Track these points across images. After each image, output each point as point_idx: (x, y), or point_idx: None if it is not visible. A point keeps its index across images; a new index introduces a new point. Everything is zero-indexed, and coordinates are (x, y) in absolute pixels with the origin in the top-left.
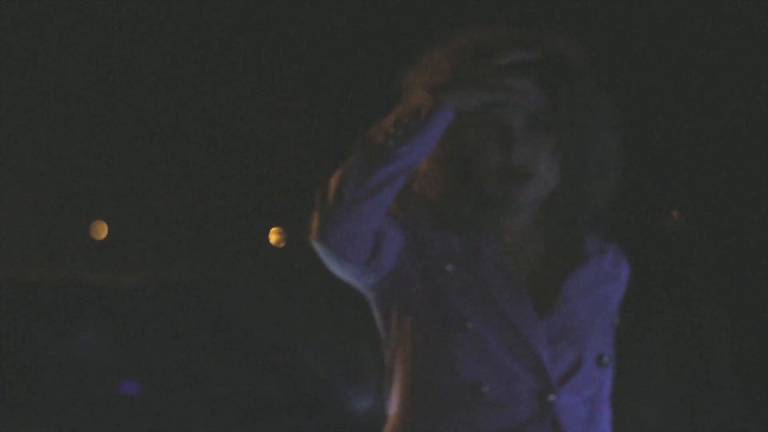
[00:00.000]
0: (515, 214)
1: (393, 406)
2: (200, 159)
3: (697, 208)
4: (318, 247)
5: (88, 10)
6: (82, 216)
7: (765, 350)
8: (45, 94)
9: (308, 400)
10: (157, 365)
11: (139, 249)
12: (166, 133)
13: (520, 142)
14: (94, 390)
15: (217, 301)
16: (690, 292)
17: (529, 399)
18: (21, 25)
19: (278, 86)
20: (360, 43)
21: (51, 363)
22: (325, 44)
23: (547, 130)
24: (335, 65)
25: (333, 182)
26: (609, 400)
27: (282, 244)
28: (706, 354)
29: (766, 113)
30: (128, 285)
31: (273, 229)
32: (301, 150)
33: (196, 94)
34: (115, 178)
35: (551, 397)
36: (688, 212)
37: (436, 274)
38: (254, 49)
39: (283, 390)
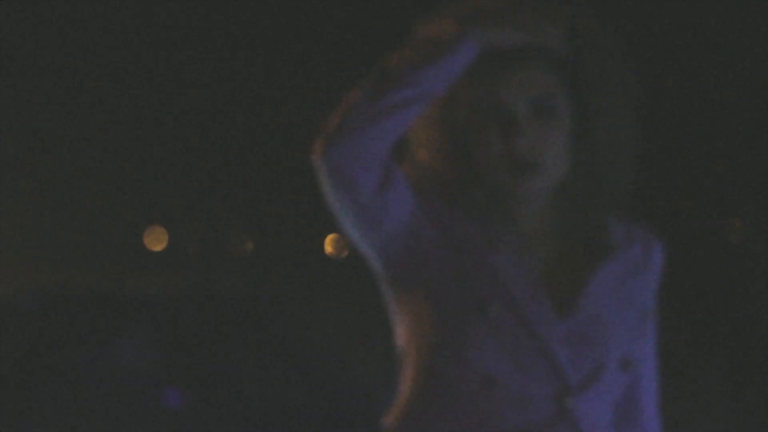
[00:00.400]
0: (526, 202)
1: (401, 390)
2: (250, 168)
3: (761, 217)
4: (322, 168)
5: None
6: (138, 223)
7: None
8: (106, 95)
9: (356, 411)
10: (203, 375)
11: (188, 258)
12: (221, 142)
13: (525, 130)
14: (139, 399)
15: (265, 312)
16: (751, 300)
17: (546, 401)
18: (79, 22)
19: (333, 95)
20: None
21: (97, 371)
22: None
23: (553, 115)
24: None
25: (343, 102)
26: (650, 404)
27: (340, 253)
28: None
29: None
30: (175, 294)
31: (330, 237)
32: None
33: (256, 104)
34: (171, 186)
35: (569, 402)
36: (752, 221)
37: (452, 250)
38: (327, 58)
39: (330, 401)
